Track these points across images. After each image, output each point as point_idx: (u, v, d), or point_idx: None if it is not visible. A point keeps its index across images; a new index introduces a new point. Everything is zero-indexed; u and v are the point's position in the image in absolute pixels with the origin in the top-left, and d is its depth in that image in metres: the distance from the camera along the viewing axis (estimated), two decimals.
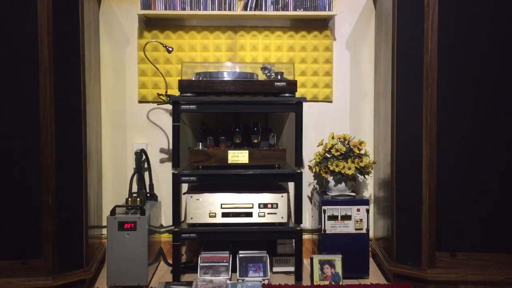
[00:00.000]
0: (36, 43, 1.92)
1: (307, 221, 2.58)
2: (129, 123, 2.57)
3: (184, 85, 2.16)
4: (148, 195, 2.47)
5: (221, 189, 2.20)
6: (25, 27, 1.91)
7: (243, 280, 2.15)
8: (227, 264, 2.20)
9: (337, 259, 2.18)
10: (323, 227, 2.24)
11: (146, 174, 2.52)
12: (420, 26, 2.02)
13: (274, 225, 2.20)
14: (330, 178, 2.33)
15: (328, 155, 2.36)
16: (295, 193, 2.17)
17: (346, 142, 2.37)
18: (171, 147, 2.51)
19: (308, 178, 2.57)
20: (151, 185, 2.52)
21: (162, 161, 2.58)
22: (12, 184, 1.95)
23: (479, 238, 2.06)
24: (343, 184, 2.32)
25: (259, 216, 2.18)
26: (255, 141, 2.26)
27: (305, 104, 2.18)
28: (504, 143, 2.04)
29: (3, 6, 1.90)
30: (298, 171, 2.15)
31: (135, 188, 2.43)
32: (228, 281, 2.10)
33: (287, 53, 2.55)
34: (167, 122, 2.56)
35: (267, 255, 2.22)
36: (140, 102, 2.56)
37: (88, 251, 2.14)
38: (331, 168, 2.29)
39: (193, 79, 2.23)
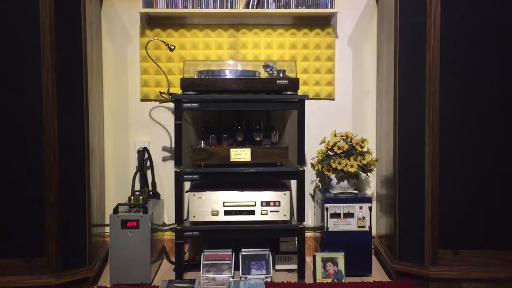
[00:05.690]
0: (39, 42, 1.92)
1: (310, 219, 2.58)
2: (131, 122, 2.57)
3: (186, 83, 2.16)
4: (151, 193, 2.48)
5: (224, 187, 2.20)
6: (27, 26, 1.91)
7: (245, 278, 2.15)
8: (229, 262, 2.20)
9: (340, 257, 2.18)
10: (325, 225, 2.24)
11: (149, 172, 2.53)
12: (422, 24, 2.02)
13: (277, 223, 2.20)
14: (333, 176, 2.33)
15: (331, 153, 2.36)
16: (298, 191, 2.17)
17: (349, 139, 2.37)
18: (173, 145, 2.52)
19: (310, 176, 2.57)
20: (154, 184, 2.52)
21: (164, 159, 2.59)
22: (15, 182, 1.96)
23: (481, 236, 2.06)
24: (345, 181, 2.32)
25: (261, 214, 2.18)
26: (257, 139, 2.25)
27: (307, 102, 2.17)
28: (507, 140, 2.03)
29: (6, 5, 1.90)
30: (301, 169, 2.15)
31: (137, 187, 2.43)
32: (231, 279, 2.10)
33: (289, 51, 2.54)
34: (169, 120, 2.55)
35: (270, 253, 2.22)
36: (142, 100, 2.56)
37: (91, 249, 2.14)
38: (334, 166, 2.29)
39: (195, 77, 2.23)
